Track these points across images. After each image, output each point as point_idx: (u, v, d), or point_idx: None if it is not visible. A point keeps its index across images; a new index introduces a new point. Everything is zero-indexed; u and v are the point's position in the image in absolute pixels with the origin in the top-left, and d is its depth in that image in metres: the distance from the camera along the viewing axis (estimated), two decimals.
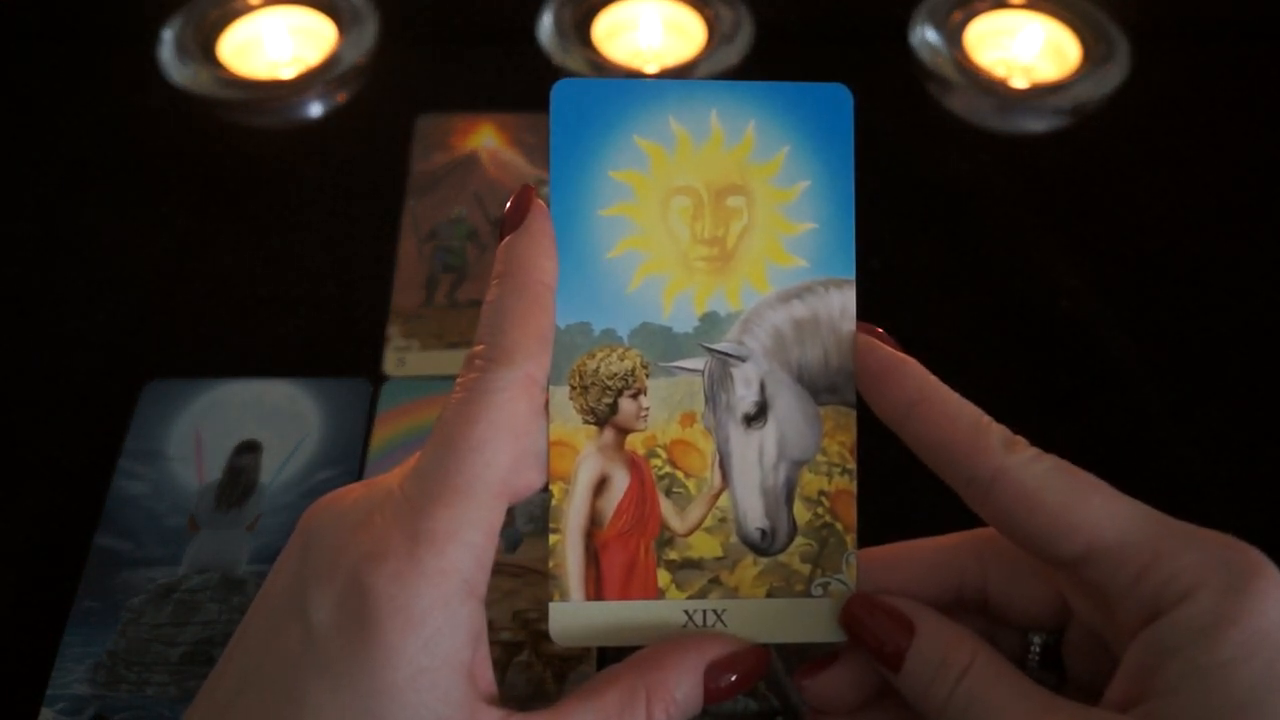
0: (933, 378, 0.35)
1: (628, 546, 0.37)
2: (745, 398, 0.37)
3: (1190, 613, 0.31)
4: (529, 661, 0.47)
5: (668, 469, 0.37)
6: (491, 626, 0.47)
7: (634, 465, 0.37)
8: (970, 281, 0.62)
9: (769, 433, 0.37)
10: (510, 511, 0.40)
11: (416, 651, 0.31)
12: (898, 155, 0.67)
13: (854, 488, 0.37)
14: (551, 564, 0.36)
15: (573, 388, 0.36)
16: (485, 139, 0.67)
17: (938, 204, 0.65)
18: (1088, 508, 0.33)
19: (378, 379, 0.57)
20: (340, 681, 0.31)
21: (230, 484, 0.53)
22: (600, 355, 0.36)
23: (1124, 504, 0.33)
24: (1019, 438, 0.34)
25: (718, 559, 0.37)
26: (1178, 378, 0.57)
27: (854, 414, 0.37)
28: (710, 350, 0.37)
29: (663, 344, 0.36)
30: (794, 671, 0.37)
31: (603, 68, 0.70)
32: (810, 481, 0.37)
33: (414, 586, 0.31)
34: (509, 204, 0.36)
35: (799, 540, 0.37)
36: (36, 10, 0.76)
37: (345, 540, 0.32)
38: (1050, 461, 0.33)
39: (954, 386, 0.35)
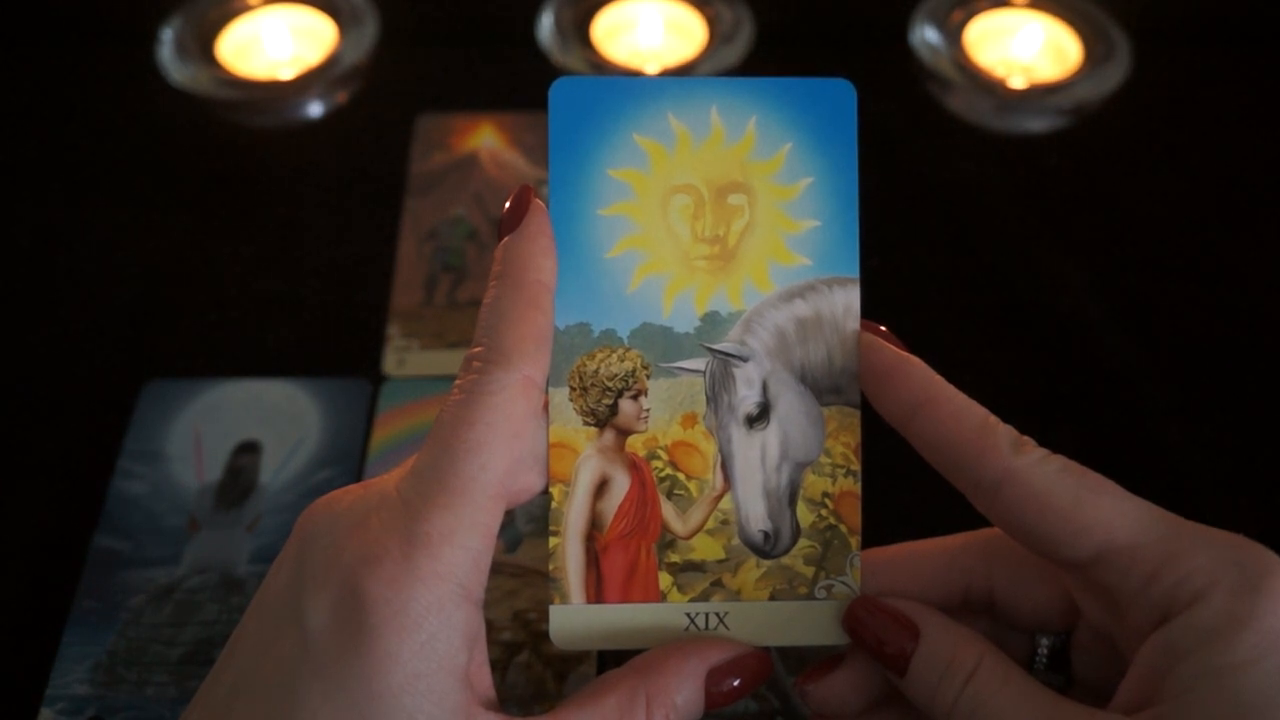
0: (938, 377, 0.35)
1: (629, 549, 0.36)
2: (747, 398, 0.36)
3: (1203, 614, 0.31)
4: (529, 662, 0.47)
5: (669, 471, 0.36)
6: (491, 627, 0.47)
7: (635, 467, 0.36)
8: (970, 281, 0.62)
9: (771, 434, 0.36)
10: (510, 511, 0.40)
11: (412, 656, 0.31)
12: (898, 155, 0.67)
13: (858, 489, 0.37)
14: (552, 567, 0.36)
15: (572, 389, 0.36)
16: (485, 139, 0.67)
17: (938, 204, 0.65)
18: (1098, 509, 0.33)
19: (378, 379, 0.56)
20: (335, 686, 0.30)
21: (230, 484, 0.53)
22: (600, 356, 0.36)
23: (1134, 504, 0.33)
24: (1026, 438, 0.34)
25: (720, 561, 0.36)
26: (1178, 377, 0.57)
27: (858, 414, 0.37)
28: (712, 350, 0.36)
29: (663, 344, 0.36)
30: (796, 677, 0.37)
31: (603, 68, 0.69)
32: (814, 483, 0.37)
33: (409, 590, 0.31)
34: (507, 204, 0.36)
35: (802, 542, 0.37)
36: (37, 10, 0.75)
37: (341, 543, 0.32)
38: (1059, 462, 0.33)
39: (954, 386, 0.35)
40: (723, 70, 0.69)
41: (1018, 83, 0.70)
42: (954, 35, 0.72)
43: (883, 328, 0.36)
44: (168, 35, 0.71)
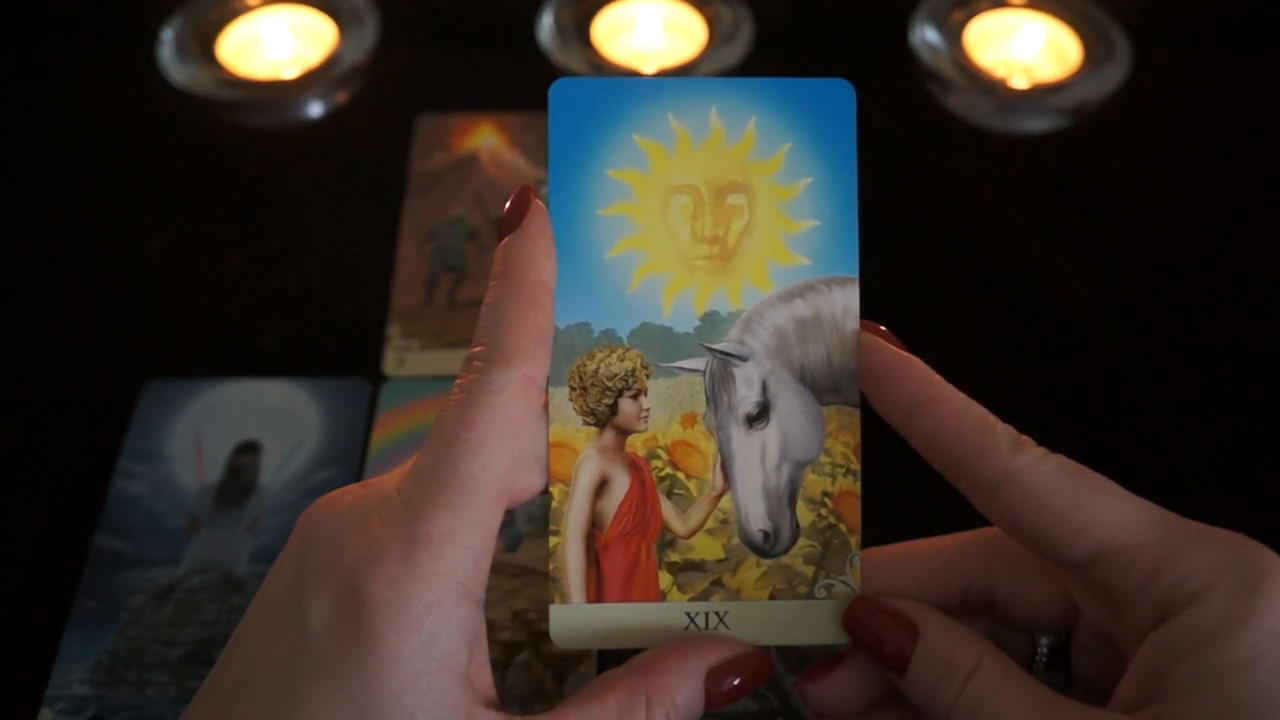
0: (938, 377, 0.35)
1: (629, 548, 0.36)
2: (747, 398, 0.36)
3: (1202, 613, 0.31)
4: (529, 662, 0.47)
5: (669, 470, 0.36)
6: (491, 627, 0.47)
7: (634, 467, 0.36)
8: (970, 281, 0.62)
9: (771, 433, 0.36)
10: (510, 511, 0.40)
11: (412, 655, 0.31)
12: (898, 155, 0.67)
13: (858, 489, 0.37)
14: (552, 566, 0.36)
15: (572, 389, 0.36)
16: (485, 139, 0.67)
17: (938, 204, 0.65)
18: (1098, 508, 0.33)
19: (378, 379, 0.56)
20: (336, 685, 0.30)
21: (230, 484, 0.53)
22: (600, 356, 0.36)
23: (1134, 504, 0.33)
24: (1025, 437, 0.34)
25: (720, 561, 0.37)
26: (1178, 377, 0.57)
27: (858, 414, 0.37)
28: (711, 350, 0.36)
29: (663, 344, 0.36)
30: (796, 676, 0.37)
31: (603, 68, 0.69)
32: (813, 482, 0.37)
33: (410, 589, 0.31)
34: (507, 204, 0.36)
35: (802, 542, 0.37)
36: (36, 10, 0.75)
37: (342, 543, 0.32)
38: (1058, 461, 0.33)
39: (954, 386, 0.35)
40: (723, 70, 0.69)
41: (1018, 83, 0.70)
42: (954, 35, 0.72)
43: (882, 328, 0.36)
44: (168, 35, 0.71)
